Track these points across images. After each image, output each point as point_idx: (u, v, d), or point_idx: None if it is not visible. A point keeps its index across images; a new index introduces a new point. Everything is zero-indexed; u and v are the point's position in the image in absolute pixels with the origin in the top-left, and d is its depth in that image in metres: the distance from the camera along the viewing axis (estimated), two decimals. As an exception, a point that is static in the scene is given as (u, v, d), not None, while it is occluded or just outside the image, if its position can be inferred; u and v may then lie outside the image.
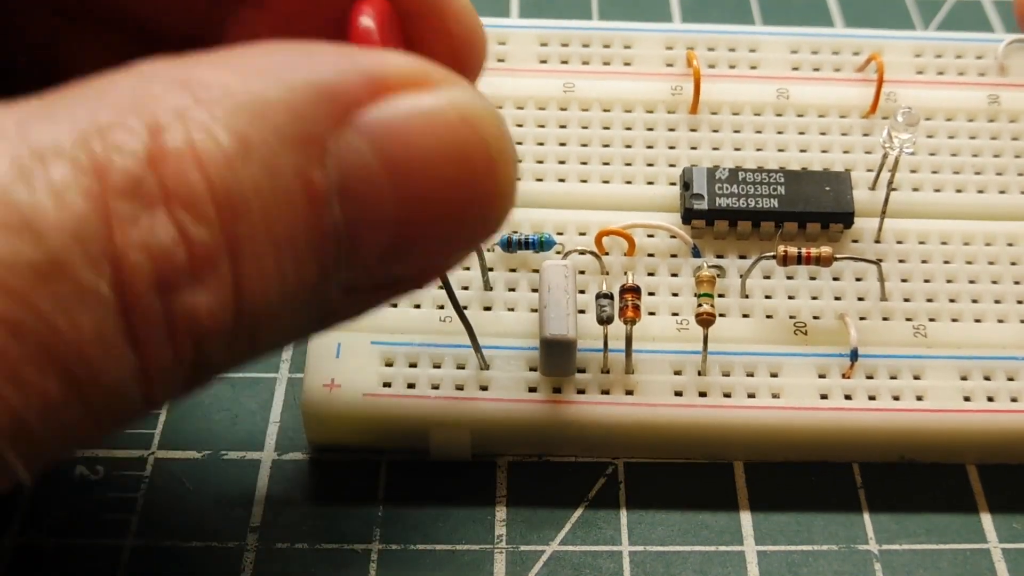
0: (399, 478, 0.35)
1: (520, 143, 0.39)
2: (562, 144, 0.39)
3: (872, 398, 0.35)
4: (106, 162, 0.19)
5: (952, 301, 0.37)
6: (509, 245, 0.36)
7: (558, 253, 0.37)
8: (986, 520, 0.34)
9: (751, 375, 0.35)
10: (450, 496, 0.35)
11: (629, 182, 0.39)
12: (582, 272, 0.36)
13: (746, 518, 0.34)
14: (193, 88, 0.21)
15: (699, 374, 0.35)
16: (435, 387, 0.34)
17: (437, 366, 0.35)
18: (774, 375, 0.35)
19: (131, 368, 0.20)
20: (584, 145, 0.39)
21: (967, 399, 0.35)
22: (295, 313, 0.22)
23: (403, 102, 0.22)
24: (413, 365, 0.35)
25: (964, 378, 0.35)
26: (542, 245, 0.36)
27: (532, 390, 0.34)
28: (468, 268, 0.36)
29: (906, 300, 0.36)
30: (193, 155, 0.20)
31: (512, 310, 0.36)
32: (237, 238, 0.20)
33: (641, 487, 0.35)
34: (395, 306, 0.36)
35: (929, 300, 0.37)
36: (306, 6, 0.27)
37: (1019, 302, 0.37)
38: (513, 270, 0.37)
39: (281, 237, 0.21)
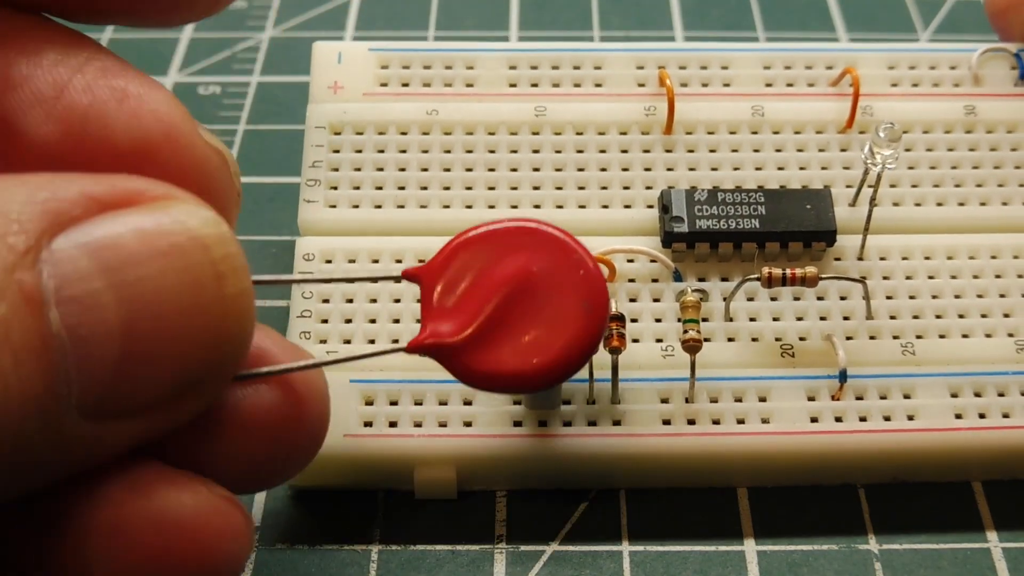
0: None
1: (493, 170, 0.38)
2: (536, 169, 0.39)
3: (863, 419, 0.34)
4: None
5: (939, 317, 0.36)
6: (487, 275, 0.36)
7: (537, 282, 0.36)
8: (987, 521, 0.34)
9: (739, 400, 0.34)
10: (450, 496, 0.34)
11: (606, 206, 0.38)
12: (563, 300, 0.36)
13: (746, 517, 0.34)
14: None
15: (687, 401, 0.34)
16: (418, 425, 0.34)
17: (419, 403, 0.34)
18: (763, 399, 0.34)
19: None
20: (558, 170, 0.39)
21: (958, 416, 0.34)
22: (28, 432, 0.22)
23: (122, 216, 0.23)
24: (394, 403, 0.34)
25: (955, 395, 0.35)
26: (521, 274, 0.36)
27: (517, 424, 0.34)
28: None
29: (892, 318, 0.36)
30: None
31: (493, 342, 0.35)
32: None
33: (641, 489, 0.35)
34: (372, 341, 0.35)
35: (915, 317, 0.36)
36: None
37: (1006, 315, 0.36)
38: (492, 300, 0.36)
39: None
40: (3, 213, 0.22)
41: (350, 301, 0.36)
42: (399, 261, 0.36)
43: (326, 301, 0.36)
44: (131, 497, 0.25)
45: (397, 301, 0.36)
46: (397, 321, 0.36)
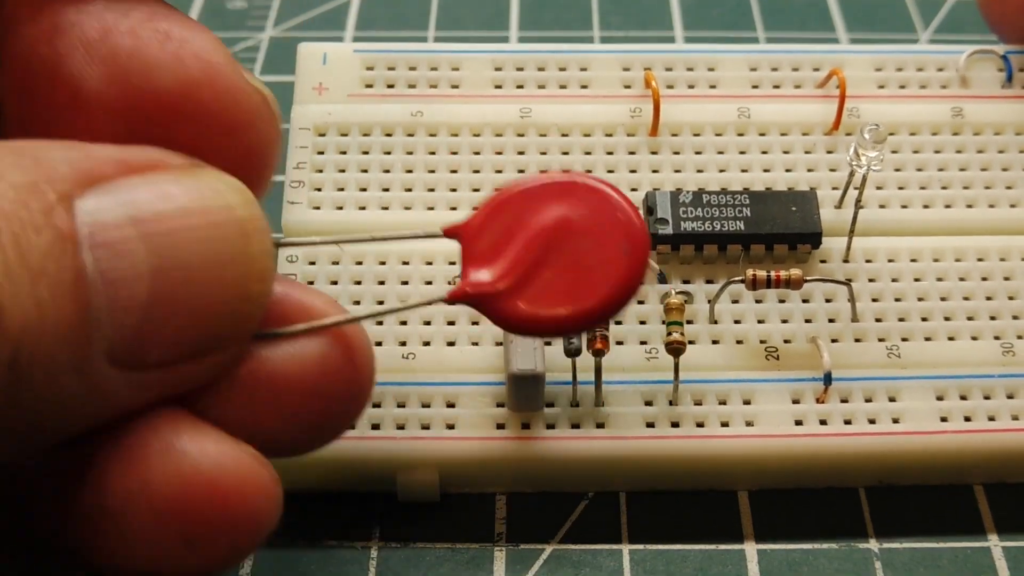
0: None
1: (478, 171, 0.38)
2: (521, 171, 0.38)
3: (848, 422, 0.34)
4: None
5: (924, 319, 0.36)
6: (471, 277, 0.35)
7: (521, 284, 0.36)
8: (987, 521, 0.34)
9: (724, 403, 0.34)
10: (450, 494, 0.34)
11: (591, 208, 0.38)
12: (547, 302, 0.35)
13: (747, 517, 0.34)
14: None
15: (671, 404, 0.34)
16: (400, 427, 0.34)
17: (401, 405, 0.34)
18: (747, 402, 0.34)
19: None
20: (544, 171, 0.38)
21: (944, 419, 0.34)
22: (59, 367, 0.22)
23: (152, 177, 0.24)
24: (377, 405, 0.34)
25: (940, 398, 0.35)
26: (505, 276, 0.35)
27: (500, 427, 0.34)
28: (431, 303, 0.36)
29: (878, 320, 0.36)
30: None
31: (476, 344, 0.35)
32: None
33: (641, 492, 0.35)
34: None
35: (901, 319, 0.36)
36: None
37: (992, 318, 0.36)
38: (476, 303, 0.36)
39: (34, 264, 0.22)
40: (42, 160, 0.23)
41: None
42: (383, 263, 0.36)
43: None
44: (153, 444, 0.25)
45: (382, 263, 0.36)
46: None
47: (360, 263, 0.36)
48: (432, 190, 0.38)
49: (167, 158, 0.25)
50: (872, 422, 0.34)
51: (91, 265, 0.22)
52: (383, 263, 0.36)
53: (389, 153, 0.39)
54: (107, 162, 0.24)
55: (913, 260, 0.37)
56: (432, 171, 0.38)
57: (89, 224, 0.23)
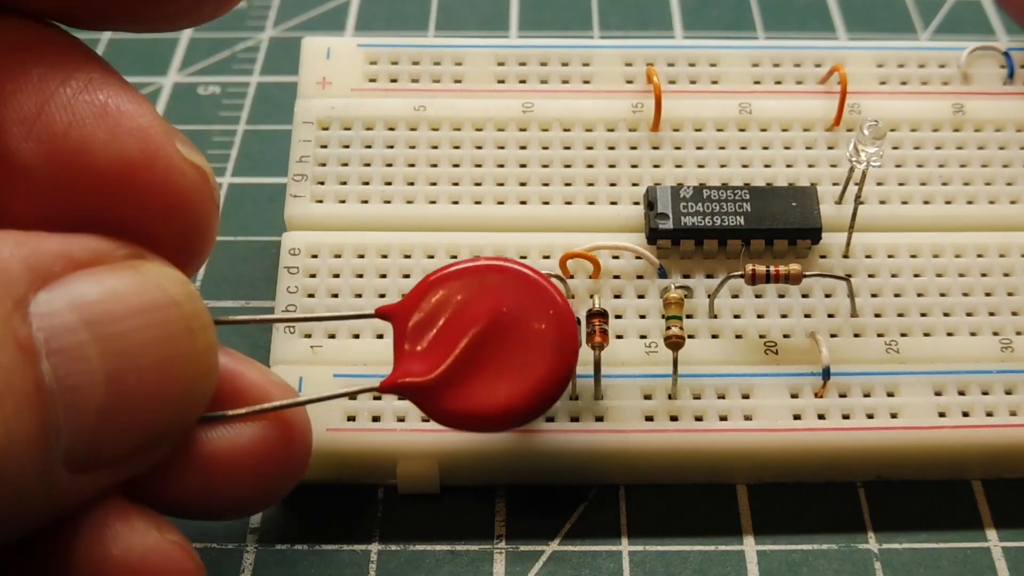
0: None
1: (480, 166, 0.38)
2: (523, 165, 0.38)
3: (846, 417, 0.34)
4: None
5: (923, 315, 0.36)
6: (472, 271, 0.36)
7: (522, 277, 0.36)
8: (985, 517, 0.34)
9: (722, 397, 0.34)
10: (449, 495, 0.35)
11: (592, 203, 0.38)
12: (547, 296, 0.36)
13: (746, 516, 0.34)
14: None
15: (670, 398, 0.34)
16: (401, 419, 0.34)
17: (402, 398, 0.34)
18: (746, 396, 0.34)
19: None
20: (545, 166, 0.38)
21: (942, 415, 0.34)
22: (25, 479, 0.23)
23: (99, 274, 0.24)
24: (377, 398, 0.34)
25: (938, 393, 0.35)
26: (506, 270, 0.36)
27: (500, 419, 0.34)
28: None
29: (877, 316, 0.36)
30: None
31: (477, 338, 0.35)
32: None
33: (640, 487, 0.35)
34: (357, 336, 0.35)
35: (900, 315, 0.36)
36: None
37: (991, 314, 0.36)
38: (477, 296, 0.36)
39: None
40: None
41: (335, 296, 0.36)
42: (384, 256, 0.36)
43: (311, 296, 0.36)
44: (84, 534, 0.25)
45: (384, 256, 0.36)
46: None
47: (362, 256, 0.36)
48: (434, 184, 0.38)
49: (110, 249, 0.25)
50: (870, 417, 0.34)
51: (48, 374, 0.23)
52: (384, 256, 0.36)
53: (392, 147, 0.39)
54: (55, 258, 0.24)
55: (913, 256, 0.37)
56: (434, 165, 0.38)
57: (44, 329, 0.23)
